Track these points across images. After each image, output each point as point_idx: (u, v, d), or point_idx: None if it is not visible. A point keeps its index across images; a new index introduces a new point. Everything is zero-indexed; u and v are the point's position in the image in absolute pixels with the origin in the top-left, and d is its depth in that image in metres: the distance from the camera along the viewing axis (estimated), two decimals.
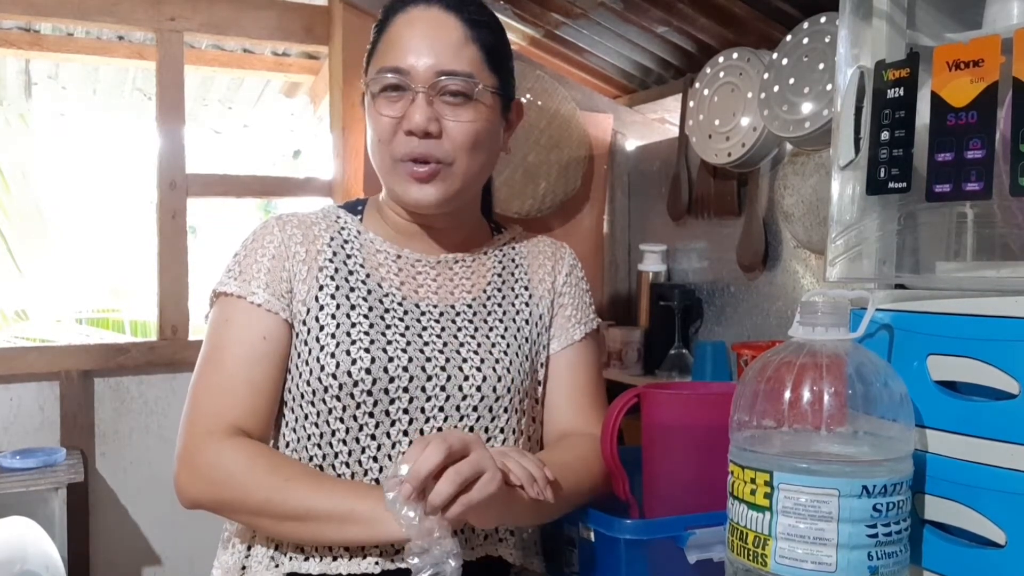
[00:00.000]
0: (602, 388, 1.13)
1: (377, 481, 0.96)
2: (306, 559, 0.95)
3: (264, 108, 3.35)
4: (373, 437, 0.96)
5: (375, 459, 0.96)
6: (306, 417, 0.98)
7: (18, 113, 4.44)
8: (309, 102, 2.79)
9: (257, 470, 0.91)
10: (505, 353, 1.02)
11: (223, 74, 2.71)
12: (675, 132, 2.01)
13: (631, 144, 2.28)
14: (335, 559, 0.94)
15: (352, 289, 1.00)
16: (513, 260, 1.12)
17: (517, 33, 2.11)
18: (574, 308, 1.11)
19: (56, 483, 1.79)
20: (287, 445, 1.00)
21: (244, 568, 0.98)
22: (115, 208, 5.68)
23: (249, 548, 0.99)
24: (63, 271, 5.05)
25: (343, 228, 1.05)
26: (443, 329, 1.01)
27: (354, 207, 1.09)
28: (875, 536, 0.70)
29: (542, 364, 1.08)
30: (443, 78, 0.96)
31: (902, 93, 0.79)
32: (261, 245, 1.01)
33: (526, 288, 1.10)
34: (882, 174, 0.80)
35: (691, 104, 1.82)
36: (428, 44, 0.97)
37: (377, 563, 0.93)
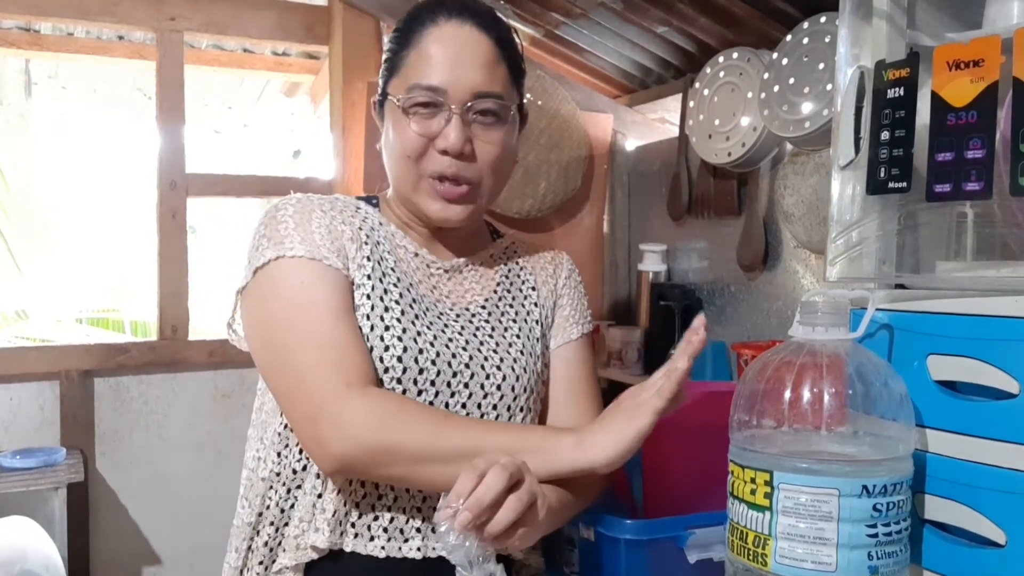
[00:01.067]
0: (597, 388, 1.13)
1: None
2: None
3: (264, 108, 3.36)
4: None
5: None
6: None
7: (18, 113, 4.44)
8: (309, 102, 2.80)
9: (411, 412, 0.89)
10: (521, 353, 1.03)
11: (223, 74, 2.71)
12: (675, 132, 2.01)
13: (631, 144, 2.28)
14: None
15: (384, 275, 0.98)
16: (517, 263, 1.13)
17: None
18: (572, 309, 1.12)
19: (56, 483, 1.79)
20: None
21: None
22: (115, 208, 5.66)
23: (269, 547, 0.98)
24: (63, 271, 5.04)
25: (366, 218, 1.03)
26: (463, 328, 1.01)
27: (368, 201, 1.07)
28: (875, 536, 0.70)
29: (546, 364, 1.09)
30: (479, 99, 0.96)
31: (902, 93, 0.79)
32: (309, 219, 0.97)
33: (533, 289, 1.11)
34: (882, 174, 0.80)
35: (691, 104, 1.82)
36: (464, 63, 0.96)
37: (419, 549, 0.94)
